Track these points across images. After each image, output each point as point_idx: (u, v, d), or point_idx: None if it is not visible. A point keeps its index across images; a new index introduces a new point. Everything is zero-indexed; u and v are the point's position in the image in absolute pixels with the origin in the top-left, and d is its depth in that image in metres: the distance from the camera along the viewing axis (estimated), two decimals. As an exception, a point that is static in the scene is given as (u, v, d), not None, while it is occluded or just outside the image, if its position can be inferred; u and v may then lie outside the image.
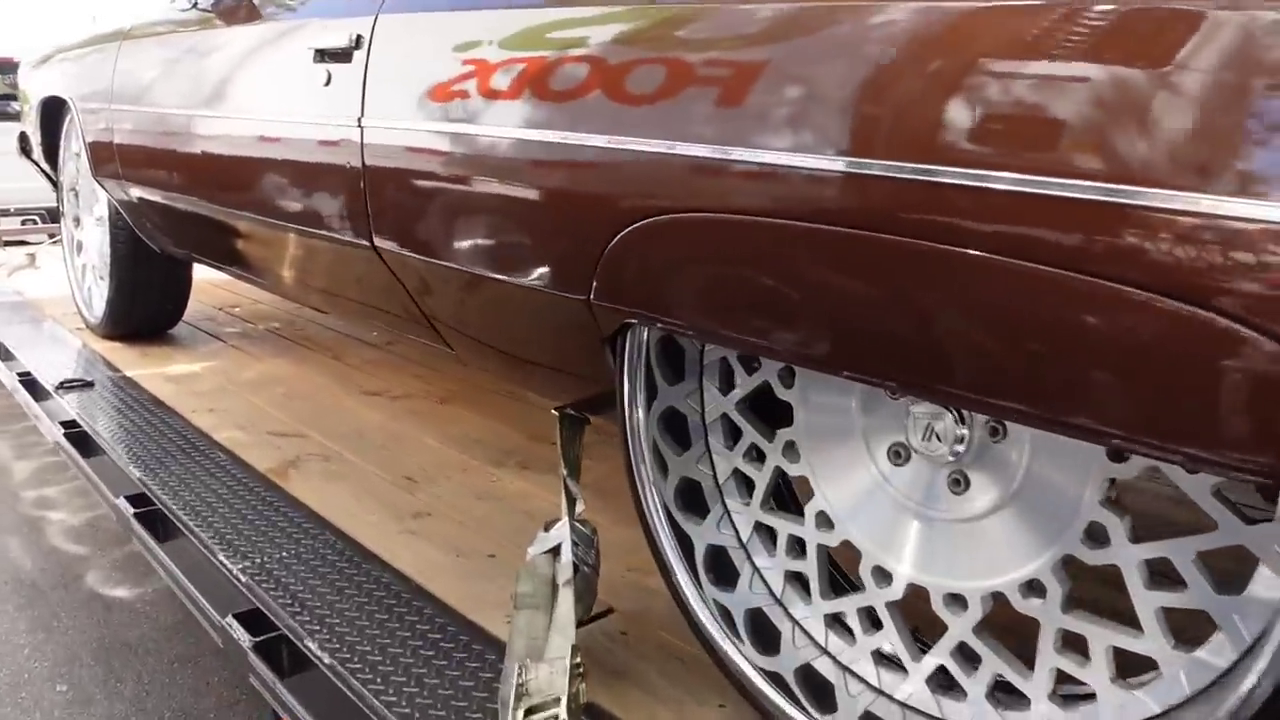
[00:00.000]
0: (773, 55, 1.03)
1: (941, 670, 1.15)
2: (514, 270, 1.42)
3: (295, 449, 2.25)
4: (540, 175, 1.32)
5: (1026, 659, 1.08)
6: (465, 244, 1.49)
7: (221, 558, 1.71)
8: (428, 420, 2.45)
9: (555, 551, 1.45)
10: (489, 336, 1.67)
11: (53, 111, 3.37)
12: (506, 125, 1.35)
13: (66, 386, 2.70)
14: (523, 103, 1.32)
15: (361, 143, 1.64)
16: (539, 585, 1.43)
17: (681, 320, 1.19)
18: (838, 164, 0.95)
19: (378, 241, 1.67)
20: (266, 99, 1.98)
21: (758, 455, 1.32)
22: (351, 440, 2.30)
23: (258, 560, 1.70)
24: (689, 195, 1.11)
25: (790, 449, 1.27)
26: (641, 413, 1.36)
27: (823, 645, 1.26)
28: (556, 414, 1.51)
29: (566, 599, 1.37)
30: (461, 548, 1.77)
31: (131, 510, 1.96)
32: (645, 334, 1.33)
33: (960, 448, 1.09)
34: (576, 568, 1.40)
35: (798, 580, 1.30)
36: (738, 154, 1.04)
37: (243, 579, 1.64)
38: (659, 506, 1.36)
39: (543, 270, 1.37)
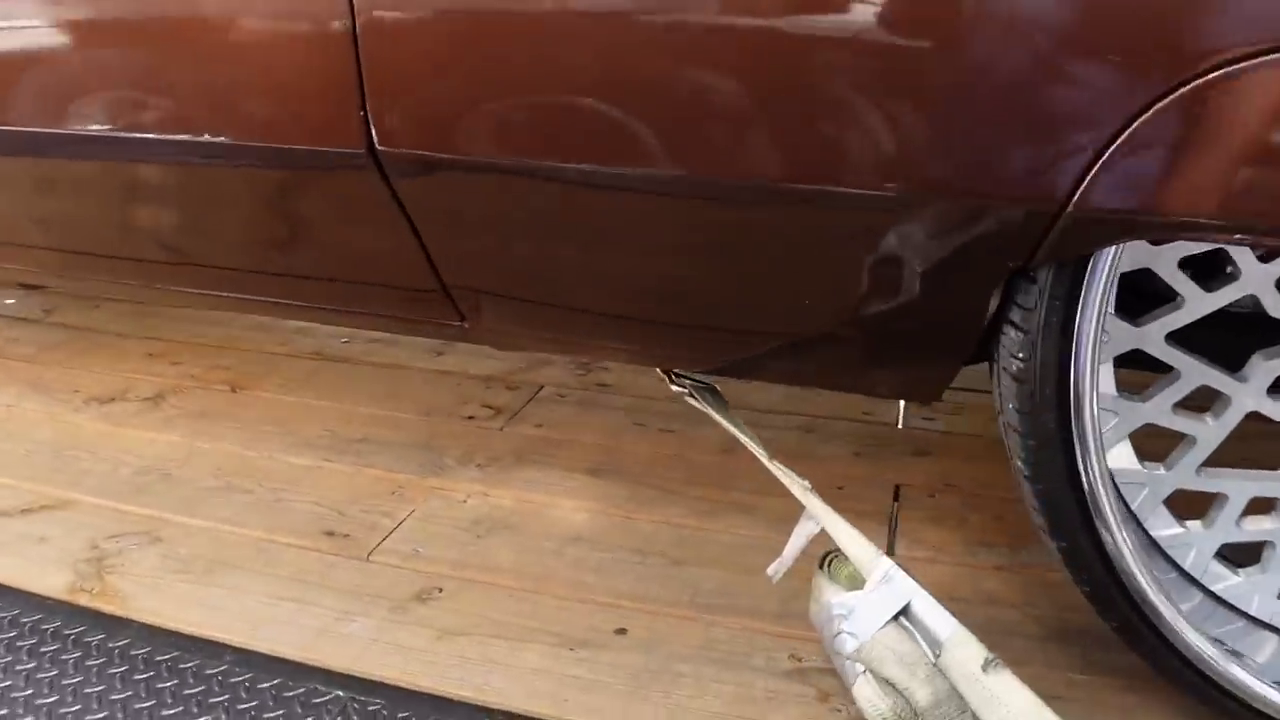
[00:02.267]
0: None
1: None
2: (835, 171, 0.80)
3: (81, 533, 1.32)
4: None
5: None
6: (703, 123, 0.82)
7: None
8: (243, 425, 1.59)
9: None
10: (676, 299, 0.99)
11: None
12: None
13: None
14: None
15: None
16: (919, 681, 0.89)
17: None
18: None
19: (383, 146, 0.89)
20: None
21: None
22: (156, 491, 1.41)
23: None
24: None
25: None
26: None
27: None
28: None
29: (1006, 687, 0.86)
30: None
31: None
32: (1109, 257, 0.82)
33: None
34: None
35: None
36: None
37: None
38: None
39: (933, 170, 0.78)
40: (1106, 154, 0.74)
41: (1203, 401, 0.94)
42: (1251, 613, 0.98)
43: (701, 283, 0.94)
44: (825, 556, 1.04)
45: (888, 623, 0.93)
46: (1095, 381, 0.86)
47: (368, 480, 1.44)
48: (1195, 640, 0.91)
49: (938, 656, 0.91)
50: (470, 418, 1.61)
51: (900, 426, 1.59)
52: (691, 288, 0.97)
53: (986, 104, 0.75)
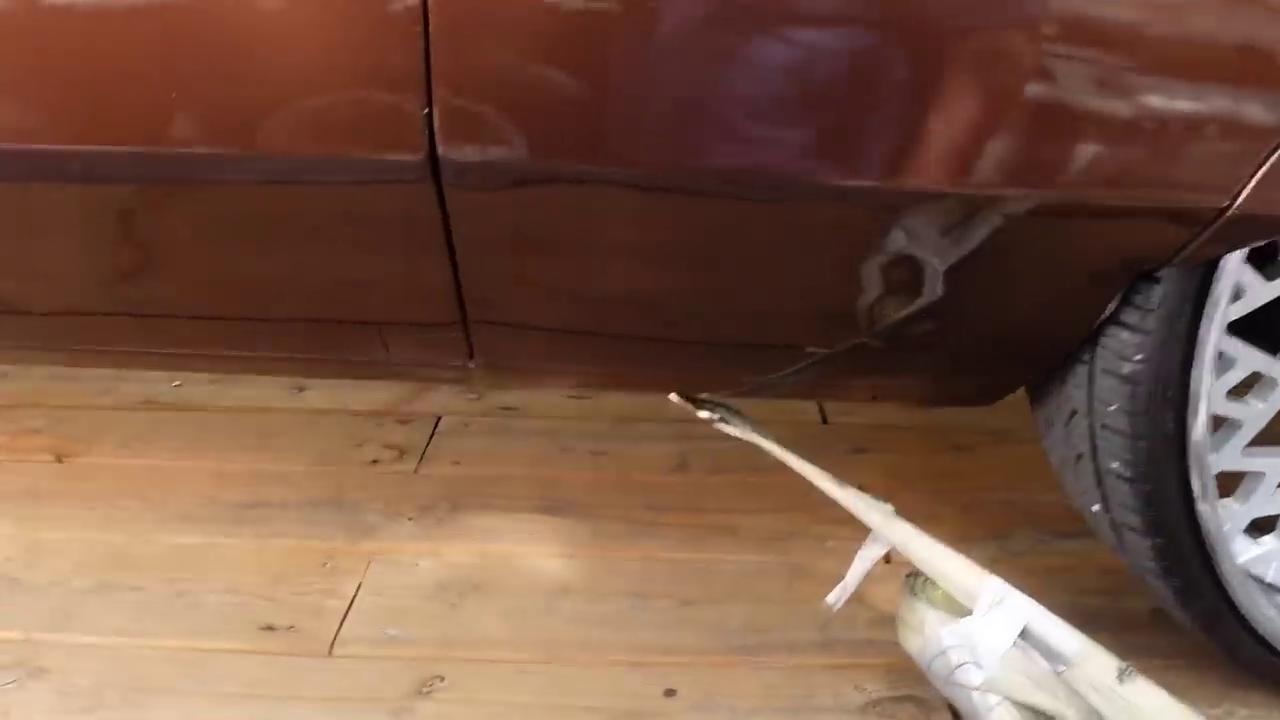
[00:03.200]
0: None
1: None
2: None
3: None
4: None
5: None
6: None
7: None
8: (89, 503, 1.28)
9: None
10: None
11: None
12: None
13: None
14: None
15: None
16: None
17: None
18: None
19: (446, 153, 0.71)
20: None
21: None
22: (10, 606, 1.10)
23: None
24: None
25: None
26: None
27: None
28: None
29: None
30: None
31: None
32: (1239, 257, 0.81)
33: None
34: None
35: None
36: None
37: None
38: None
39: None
40: (1276, 153, 0.73)
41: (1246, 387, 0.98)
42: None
43: (812, 296, 0.84)
44: (912, 579, 0.98)
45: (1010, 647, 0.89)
46: (1211, 381, 0.85)
47: (282, 554, 1.20)
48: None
49: (1061, 673, 0.88)
50: (374, 462, 1.40)
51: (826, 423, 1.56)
52: (792, 303, 0.87)
53: (1161, 101, 0.72)
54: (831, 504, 1.34)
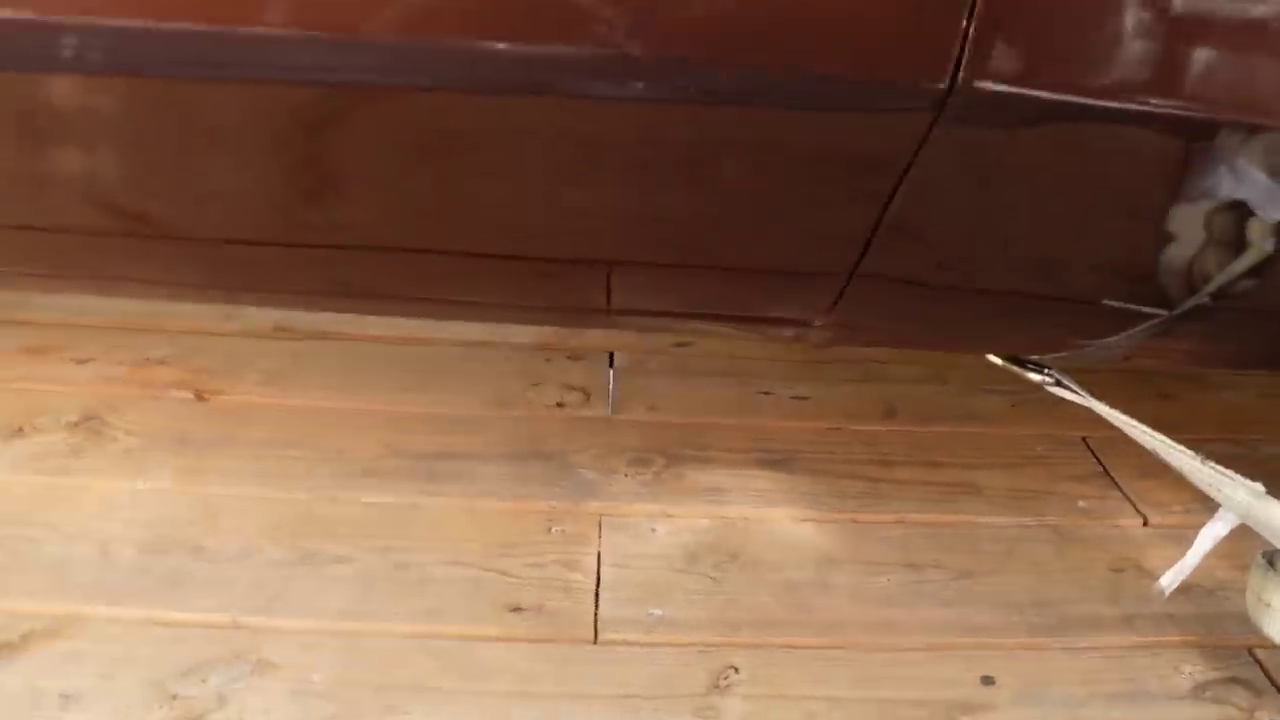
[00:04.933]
0: None
1: None
2: None
3: (125, 676, 0.82)
4: None
5: None
6: None
7: None
8: (253, 452, 1.10)
9: None
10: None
11: None
12: None
13: None
14: None
15: None
16: None
17: None
18: None
19: (972, 81, 0.54)
20: None
21: None
22: (198, 581, 0.93)
23: None
24: None
25: None
26: None
27: None
28: None
29: None
30: None
31: None
32: None
33: None
34: None
35: None
36: None
37: None
38: None
39: None
40: None
41: None
42: None
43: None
44: (1270, 556, 0.88)
45: None
46: None
47: (499, 517, 1.05)
48: None
49: None
50: (560, 404, 1.24)
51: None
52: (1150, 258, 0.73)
53: None
54: (1060, 458, 1.24)
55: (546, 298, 0.87)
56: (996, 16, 0.53)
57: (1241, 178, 0.65)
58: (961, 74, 0.55)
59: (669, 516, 1.07)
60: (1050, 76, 0.55)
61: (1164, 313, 0.80)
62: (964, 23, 0.53)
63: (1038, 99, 0.56)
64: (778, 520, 1.08)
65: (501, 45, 0.56)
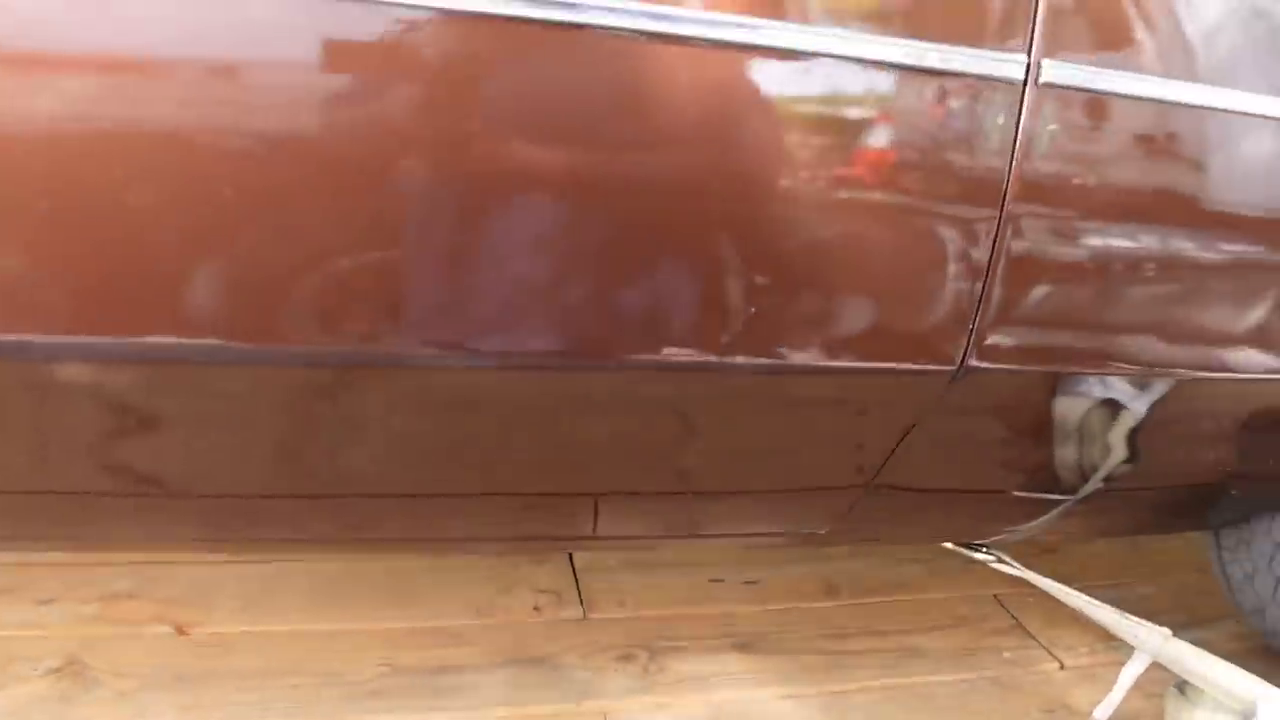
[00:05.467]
0: None
1: None
2: None
3: None
4: None
5: None
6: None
7: None
8: (243, 683, 1.09)
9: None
10: None
11: None
12: None
13: None
14: None
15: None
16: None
17: None
18: None
19: (982, 363, 0.71)
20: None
21: None
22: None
23: None
24: None
25: None
26: None
27: None
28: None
29: None
30: None
31: None
32: None
33: None
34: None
35: None
36: None
37: None
38: None
39: None
40: None
41: None
42: None
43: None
44: (1181, 686, 1.04)
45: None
46: None
47: (505, 725, 1.10)
48: None
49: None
50: (536, 609, 1.30)
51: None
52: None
53: None
54: (980, 616, 1.40)
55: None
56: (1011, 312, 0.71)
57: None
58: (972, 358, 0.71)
59: (664, 707, 1.14)
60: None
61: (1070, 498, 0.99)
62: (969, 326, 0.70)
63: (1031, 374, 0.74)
64: (762, 701, 1.17)
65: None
